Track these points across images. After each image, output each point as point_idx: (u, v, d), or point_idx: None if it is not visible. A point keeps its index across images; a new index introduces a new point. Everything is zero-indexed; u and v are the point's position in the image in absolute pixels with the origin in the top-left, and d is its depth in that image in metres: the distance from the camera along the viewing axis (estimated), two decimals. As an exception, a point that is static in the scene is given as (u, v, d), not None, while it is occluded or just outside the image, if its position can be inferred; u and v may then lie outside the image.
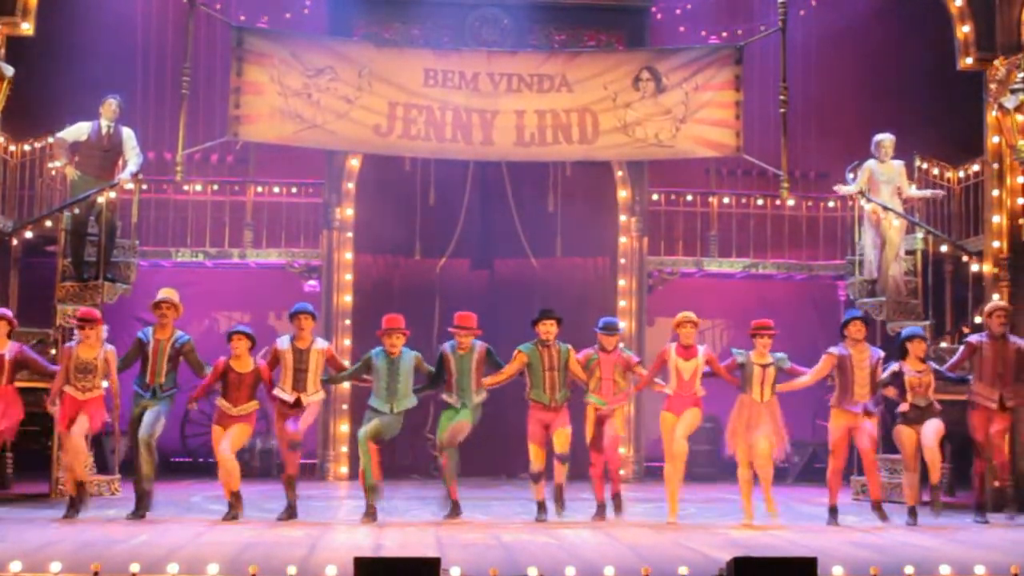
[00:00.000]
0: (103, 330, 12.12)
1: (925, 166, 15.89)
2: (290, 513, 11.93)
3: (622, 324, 12.74)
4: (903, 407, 12.55)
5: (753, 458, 12.24)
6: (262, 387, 12.05)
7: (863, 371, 12.35)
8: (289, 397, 11.91)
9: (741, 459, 12.36)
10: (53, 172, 15.45)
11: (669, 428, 12.37)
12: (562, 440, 12.17)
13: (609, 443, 12.26)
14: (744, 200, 17.88)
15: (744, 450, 12.31)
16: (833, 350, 12.49)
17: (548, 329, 12.21)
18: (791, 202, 17.16)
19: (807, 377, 12.50)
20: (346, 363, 12.92)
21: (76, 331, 12.15)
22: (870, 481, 12.57)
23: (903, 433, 12.54)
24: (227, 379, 11.89)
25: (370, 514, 11.82)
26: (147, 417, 11.89)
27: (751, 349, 12.33)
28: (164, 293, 12.23)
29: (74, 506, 11.79)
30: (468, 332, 12.12)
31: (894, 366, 12.60)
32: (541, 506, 12.31)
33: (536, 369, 12.22)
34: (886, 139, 15.27)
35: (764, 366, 12.22)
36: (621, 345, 12.46)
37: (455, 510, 12.21)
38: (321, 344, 12.16)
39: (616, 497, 12.33)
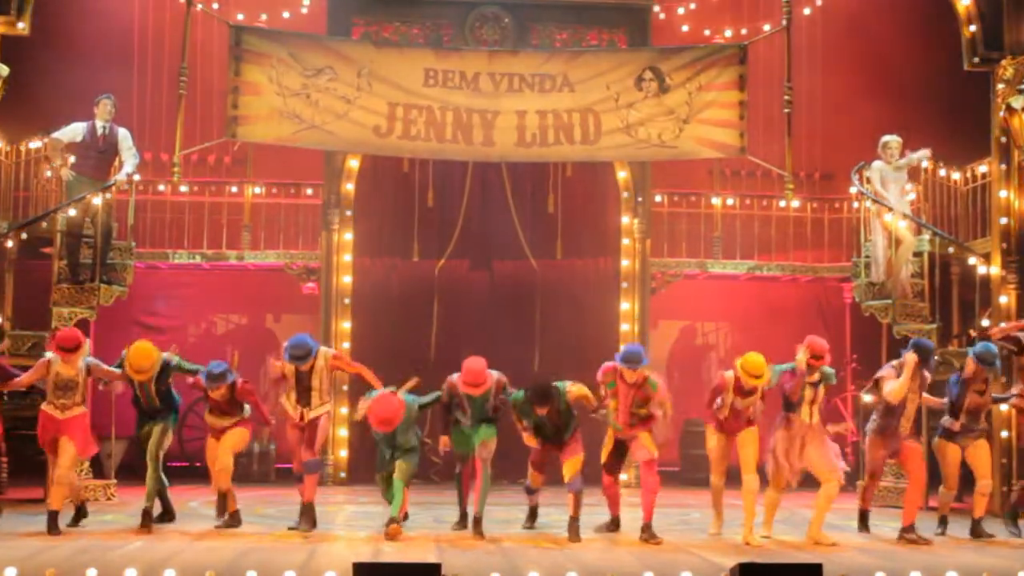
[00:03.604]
0: (86, 347, 11.61)
1: (932, 167, 15.75)
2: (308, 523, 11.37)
3: (644, 357, 11.30)
4: (951, 424, 11.83)
5: (821, 481, 11.27)
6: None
7: (914, 403, 11.58)
8: (294, 414, 11.42)
9: (776, 479, 11.38)
10: (48, 173, 15.32)
11: (718, 452, 11.53)
12: (572, 469, 11.21)
13: (644, 467, 11.26)
14: (748, 201, 17.74)
15: (783, 473, 11.32)
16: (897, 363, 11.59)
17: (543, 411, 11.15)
18: (796, 203, 17.04)
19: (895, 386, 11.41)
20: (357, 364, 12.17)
21: (55, 352, 11.36)
22: (912, 505, 11.50)
23: (947, 450, 11.82)
24: (208, 398, 11.54)
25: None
26: (155, 434, 11.52)
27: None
28: (137, 363, 11.40)
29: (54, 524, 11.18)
30: (479, 388, 11.28)
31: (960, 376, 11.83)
32: (532, 513, 11.90)
33: (541, 426, 11.29)
34: (893, 140, 15.17)
35: (815, 384, 11.29)
36: (651, 378, 11.20)
37: (463, 522, 11.70)
38: (323, 359, 11.44)
39: (647, 529, 11.09)
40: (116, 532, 11.18)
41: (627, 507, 11.96)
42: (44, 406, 11.33)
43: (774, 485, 11.51)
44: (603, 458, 11.51)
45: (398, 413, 11.03)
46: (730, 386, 11.27)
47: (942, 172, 15.69)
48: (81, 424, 11.37)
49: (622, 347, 11.80)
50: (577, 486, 11.17)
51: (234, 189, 17.25)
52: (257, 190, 17.24)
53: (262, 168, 17.36)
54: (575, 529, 11.09)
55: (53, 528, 11.02)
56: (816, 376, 11.24)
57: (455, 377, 11.43)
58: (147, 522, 11.26)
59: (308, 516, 11.30)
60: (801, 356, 11.20)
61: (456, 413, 11.55)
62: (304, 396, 11.39)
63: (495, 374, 11.43)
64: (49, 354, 11.51)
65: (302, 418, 11.40)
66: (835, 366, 11.74)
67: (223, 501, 11.76)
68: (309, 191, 17.39)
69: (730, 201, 17.63)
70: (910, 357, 11.40)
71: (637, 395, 11.10)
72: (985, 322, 14.09)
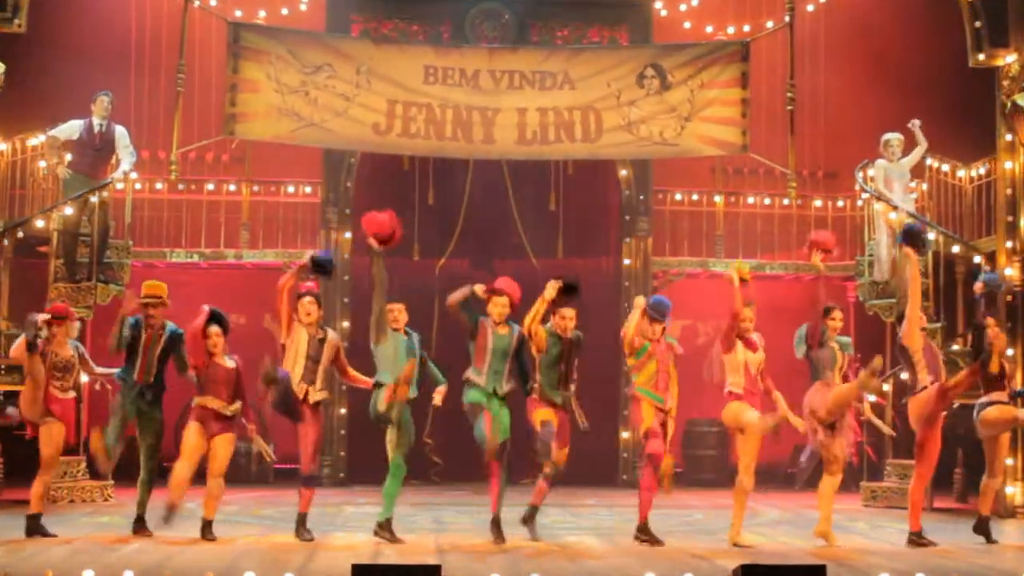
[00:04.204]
0: (75, 327, 11.54)
1: (936, 164, 15.66)
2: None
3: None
4: (999, 396, 11.02)
5: (828, 472, 10.82)
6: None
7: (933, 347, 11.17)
8: (297, 390, 10.64)
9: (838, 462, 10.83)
10: (44, 171, 15.23)
11: (734, 418, 10.73)
12: (559, 460, 10.86)
13: (648, 461, 10.76)
14: (751, 200, 17.65)
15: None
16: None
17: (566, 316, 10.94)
18: (799, 202, 16.94)
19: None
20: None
21: (44, 328, 11.07)
22: (916, 507, 10.95)
23: (1006, 410, 10.95)
24: (212, 373, 10.87)
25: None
26: (150, 440, 11.22)
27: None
28: (152, 289, 11.41)
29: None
30: (506, 299, 10.88)
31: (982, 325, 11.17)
32: (531, 514, 10.97)
33: (551, 355, 10.87)
34: (894, 139, 15.14)
35: (842, 349, 10.89)
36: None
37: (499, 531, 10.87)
38: (334, 336, 11.04)
39: (644, 529, 10.79)
40: (113, 534, 11.08)
41: (629, 507, 11.84)
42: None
43: (831, 469, 10.89)
44: (645, 426, 10.67)
45: (396, 222, 10.91)
46: (739, 346, 10.85)
47: (945, 168, 15.62)
48: (71, 408, 11.22)
49: (651, 297, 11.32)
50: (558, 474, 10.90)
51: (232, 187, 17.21)
52: (255, 188, 17.18)
53: (260, 166, 17.31)
54: (533, 517, 10.84)
55: (43, 530, 10.86)
56: (836, 344, 10.94)
57: (484, 319, 10.90)
58: (142, 528, 11.01)
59: (305, 526, 10.84)
60: (815, 258, 11.18)
61: (470, 372, 10.85)
62: (310, 372, 10.75)
63: (518, 327, 10.97)
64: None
65: (306, 397, 10.71)
66: None
67: (172, 511, 10.83)
68: (308, 189, 17.34)
69: (732, 199, 17.54)
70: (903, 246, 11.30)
71: (669, 349, 10.87)
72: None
